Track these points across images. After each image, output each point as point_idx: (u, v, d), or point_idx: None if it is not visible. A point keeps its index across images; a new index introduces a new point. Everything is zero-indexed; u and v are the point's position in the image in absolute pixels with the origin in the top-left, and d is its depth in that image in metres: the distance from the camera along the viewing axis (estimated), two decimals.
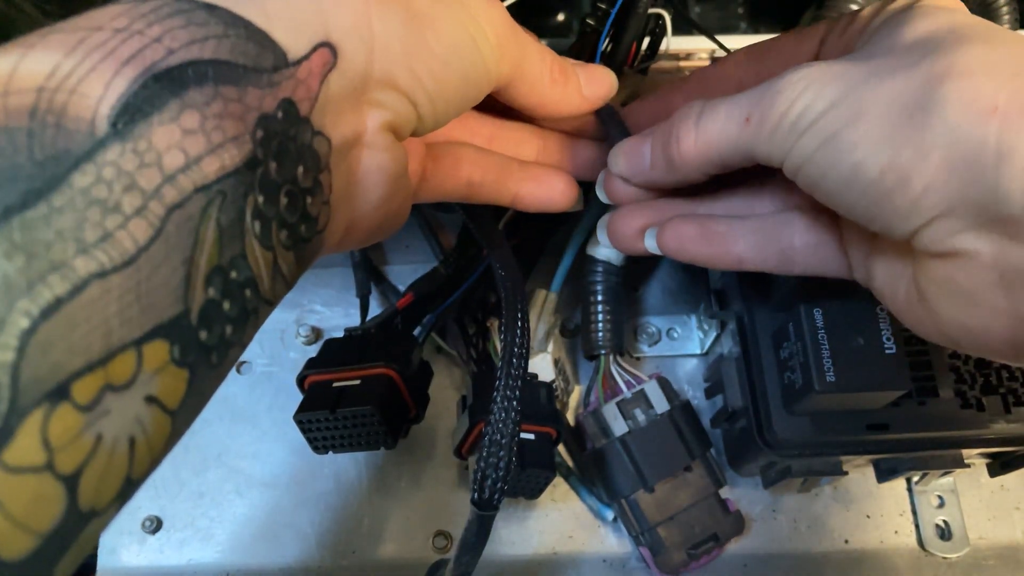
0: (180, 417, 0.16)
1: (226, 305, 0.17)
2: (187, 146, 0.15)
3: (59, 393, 0.13)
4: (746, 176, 0.28)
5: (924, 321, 0.22)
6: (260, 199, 0.17)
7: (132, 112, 0.15)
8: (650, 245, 0.29)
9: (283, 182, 0.18)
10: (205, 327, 0.16)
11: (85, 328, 0.14)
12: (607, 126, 0.31)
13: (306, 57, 0.18)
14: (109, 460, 0.14)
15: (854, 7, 0.40)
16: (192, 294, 0.16)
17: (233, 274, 0.17)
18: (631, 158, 0.28)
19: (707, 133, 0.24)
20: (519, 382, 0.26)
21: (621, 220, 0.30)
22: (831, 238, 0.26)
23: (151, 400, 0.15)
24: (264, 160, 0.17)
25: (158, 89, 0.15)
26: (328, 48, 0.19)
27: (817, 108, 0.21)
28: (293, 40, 0.18)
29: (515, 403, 0.26)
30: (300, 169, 0.18)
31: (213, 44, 0.16)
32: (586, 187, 0.38)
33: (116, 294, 0.14)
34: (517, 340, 0.27)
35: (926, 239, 0.20)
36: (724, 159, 0.24)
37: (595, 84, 0.29)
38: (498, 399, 0.26)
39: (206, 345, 0.16)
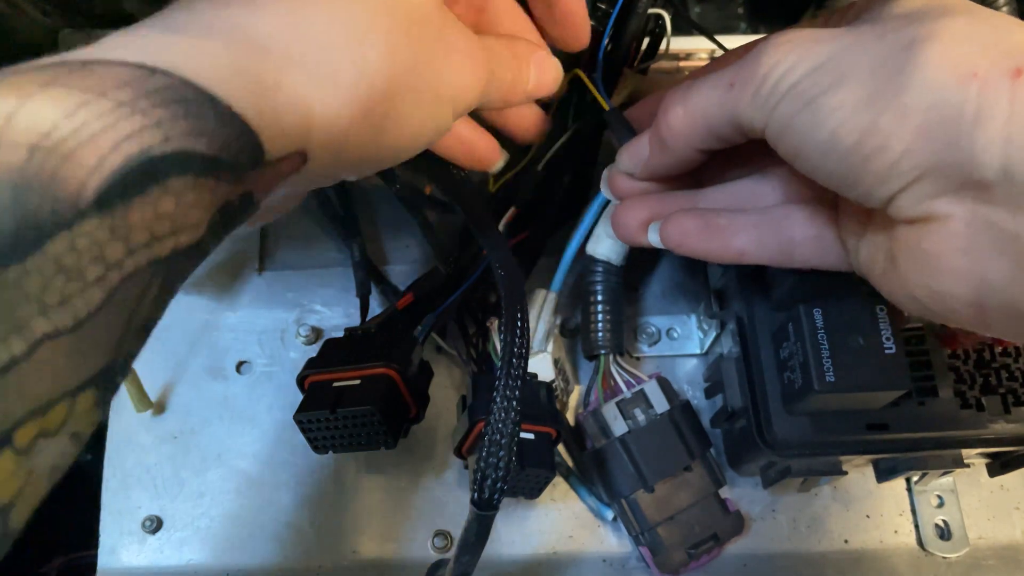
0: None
1: (140, 345, 0.18)
2: (155, 228, 0.16)
3: (3, 441, 0.14)
4: (746, 170, 0.29)
5: (896, 289, 0.23)
6: (195, 263, 0.18)
7: (117, 191, 0.15)
8: (653, 239, 0.29)
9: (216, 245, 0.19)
10: (125, 369, 0.17)
11: (32, 381, 0.14)
12: (614, 128, 0.31)
13: (280, 159, 0.19)
14: (35, 490, 0.15)
15: None
16: (123, 347, 0.16)
17: (156, 319, 0.18)
18: (633, 152, 0.29)
19: (694, 103, 0.25)
20: (519, 382, 0.26)
21: (625, 213, 0.30)
22: (830, 230, 0.26)
23: (74, 436, 0.16)
24: (211, 240, 0.18)
25: (145, 173, 0.16)
26: (300, 156, 0.20)
27: (799, 71, 0.21)
28: (275, 144, 0.18)
29: (515, 403, 0.26)
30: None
31: (206, 140, 0.17)
32: (585, 186, 0.38)
33: (63, 351, 0.15)
34: (517, 340, 0.27)
35: (902, 203, 0.21)
36: (712, 128, 0.25)
37: (544, 75, 0.30)
38: (498, 399, 0.26)
39: (119, 383, 0.17)
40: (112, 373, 0.16)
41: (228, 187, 0.17)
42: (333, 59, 0.20)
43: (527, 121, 0.33)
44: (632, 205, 0.30)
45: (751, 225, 0.27)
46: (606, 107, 0.32)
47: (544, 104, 0.35)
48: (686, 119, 0.25)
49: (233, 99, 0.17)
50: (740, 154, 0.28)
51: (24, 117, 0.14)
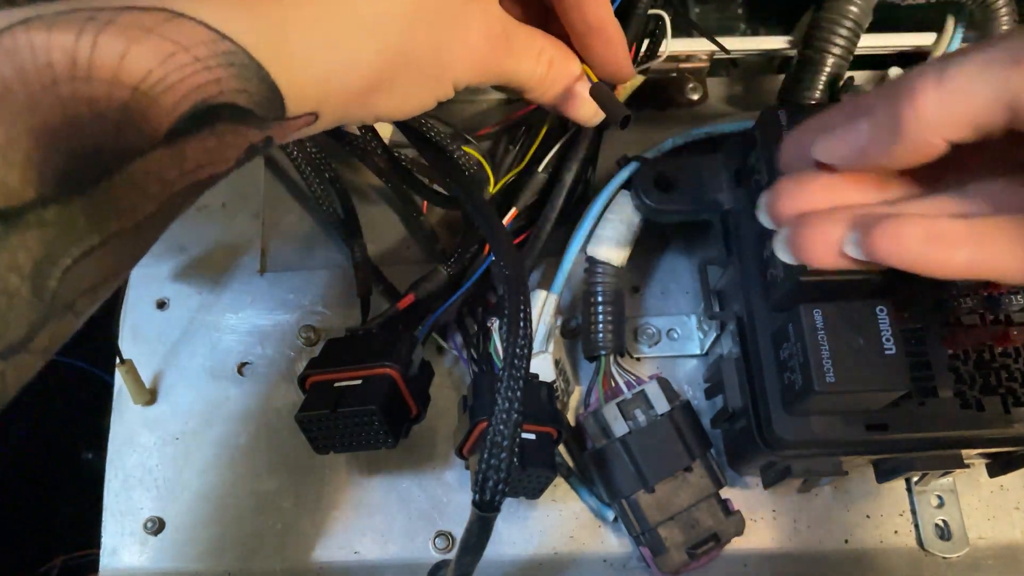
0: None
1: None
2: (201, 159, 0.21)
3: (67, 307, 0.19)
4: (944, 170, 0.25)
5: None
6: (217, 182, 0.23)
7: (182, 130, 0.20)
8: (854, 252, 0.24)
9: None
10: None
11: (100, 265, 0.19)
12: (601, 100, 0.30)
13: (298, 116, 0.23)
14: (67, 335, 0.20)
15: (854, 9, 0.40)
16: (154, 240, 0.22)
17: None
18: (845, 139, 0.25)
19: (957, 84, 0.21)
20: (520, 382, 0.26)
21: (814, 231, 0.25)
22: None
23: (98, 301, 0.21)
24: (235, 169, 0.23)
25: (203, 117, 0.20)
26: (314, 115, 0.24)
27: None
28: (295, 105, 0.23)
29: (516, 403, 0.26)
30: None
31: (246, 96, 0.21)
32: (586, 187, 0.38)
33: (123, 245, 0.20)
34: (519, 340, 0.27)
35: None
36: (978, 114, 0.21)
37: (580, 111, 0.31)
38: (499, 399, 0.26)
39: None
40: (139, 259, 0.22)
41: (256, 132, 0.22)
42: (352, 45, 0.24)
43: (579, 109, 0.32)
44: (820, 223, 0.25)
45: (1004, 232, 0.23)
46: (595, 79, 0.31)
47: None
48: (942, 102, 0.21)
49: (272, 69, 0.21)
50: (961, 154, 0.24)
51: (131, 60, 0.19)
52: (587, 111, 0.31)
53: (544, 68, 0.29)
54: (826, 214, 0.25)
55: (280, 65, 0.22)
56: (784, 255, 0.26)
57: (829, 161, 0.25)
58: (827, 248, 0.25)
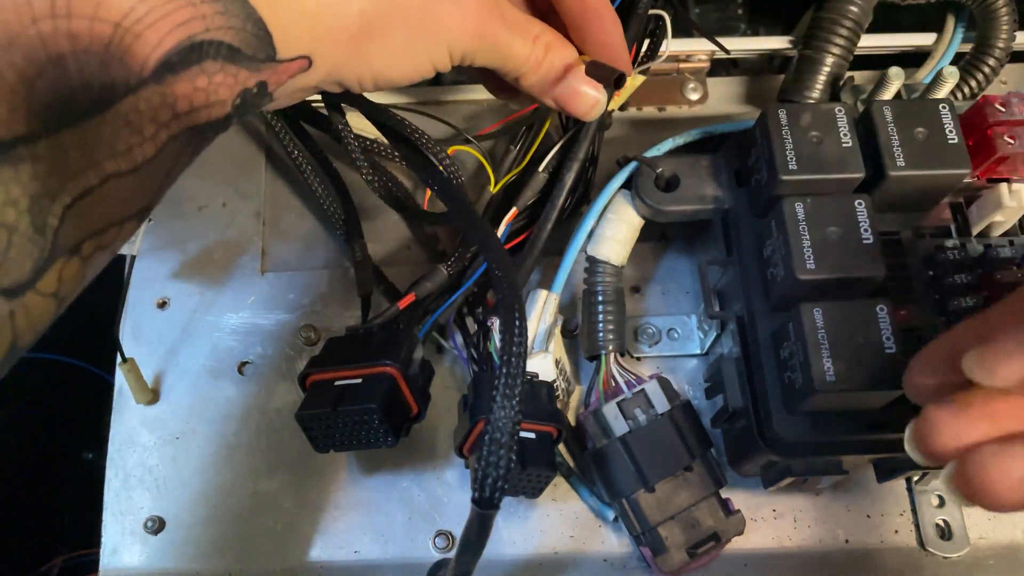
0: None
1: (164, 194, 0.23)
2: (193, 99, 0.21)
3: (74, 250, 0.19)
4: None
5: None
6: (218, 134, 0.23)
7: (169, 65, 0.20)
8: None
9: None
10: (150, 210, 0.23)
11: (99, 207, 0.19)
12: (593, 69, 0.30)
13: (290, 60, 0.23)
14: (79, 290, 0.21)
15: (854, 8, 0.40)
16: (160, 192, 0.22)
17: (181, 172, 0.23)
18: None
19: None
20: (518, 380, 0.26)
21: (996, 471, 0.21)
22: None
23: (111, 253, 0.21)
24: (234, 117, 0.23)
25: (189, 54, 0.20)
26: (306, 60, 0.24)
27: None
28: (285, 46, 0.23)
29: (515, 402, 0.26)
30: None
31: (232, 33, 0.21)
32: (586, 187, 0.38)
33: (122, 188, 0.20)
34: (514, 338, 0.27)
35: None
36: None
37: (577, 104, 0.31)
38: (498, 398, 0.26)
39: (146, 218, 0.25)
40: (148, 211, 0.22)
41: (247, 74, 0.22)
42: None
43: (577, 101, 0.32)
44: (999, 458, 0.21)
45: None
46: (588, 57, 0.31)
47: None
48: None
49: (260, 7, 0.22)
50: None
51: None
52: (584, 104, 0.31)
53: (540, 51, 0.29)
54: (1002, 448, 0.21)
55: (268, 3, 0.22)
56: (957, 497, 0.22)
57: (1009, 384, 0.21)
58: (1016, 485, 0.21)
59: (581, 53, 0.31)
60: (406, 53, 0.27)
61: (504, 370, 0.26)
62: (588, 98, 0.31)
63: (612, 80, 0.30)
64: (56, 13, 0.18)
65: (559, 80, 0.30)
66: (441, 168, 0.38)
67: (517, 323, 0.27)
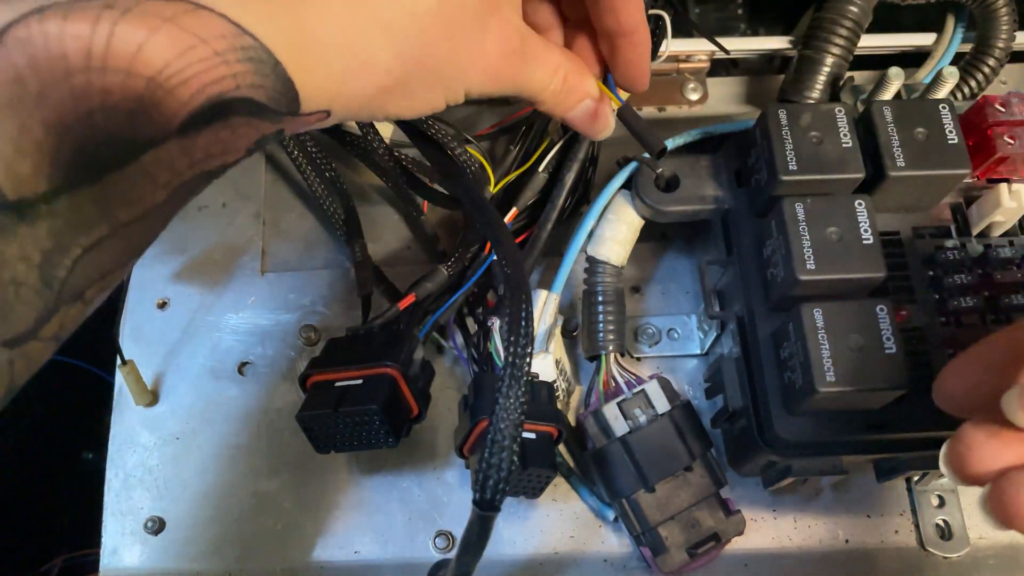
0: None
1: None
2: (212, 149, 0.21)
3: (77, 296, 0.19)
4: None
5: None
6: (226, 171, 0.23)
7: (196, 122, 0.20)
8: None
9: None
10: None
11: (108, 255, 0.19)
12: (629, 122, 0.30)
13: (311, 113, 0.23)
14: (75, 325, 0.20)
15: (854, 8, 0.40)
16: (162, 229, 0.22)
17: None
18: None
19: None
20: (521, 381, 0.26)
21: None
22: None
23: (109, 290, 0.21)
24: (245, 158, 0.23)
25: (217, 112, 0.20)
26: (326, 112, 0.24)
27: None
28: (309, 103, 0.23)
29: (517, 403, 0.26)
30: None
31: (263, 92, 0.21)
32: (586, 187, 0.38)
33: (131, 234, 0.20)
34: (520, 339, 0.27)
35: None
36: None
37: (591, 128, 0.31)
38: (500, 399, 0.26)
39: None
40: (147, 247, 0.22)
41: (269, 125, 0.22)
42: (370, 47, 0.24)
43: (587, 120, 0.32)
44: None
45: None
46: (617, 103, 0.31)
47: None
48: None
49: (290, 66, 0.22)
50: None
51: (149, 50, 0.18)
52: (598, 127, 0.31)
53: (558, 83, 0.29)
54: None
55: (298, 63, 0.22)
56: (992, 521, 0.22)
57: None
58: None
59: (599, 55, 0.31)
60: (423, 99, 0.27)
61: (507, 371, 0.26)
62: (601, 122, 0.31)
63: (656, 151, 0.31)
64: (91, 66, 0.18)
65: (574, 107, 0.31)
66: (458, 155, 0.37)
67: (523, 324, 0.27)
